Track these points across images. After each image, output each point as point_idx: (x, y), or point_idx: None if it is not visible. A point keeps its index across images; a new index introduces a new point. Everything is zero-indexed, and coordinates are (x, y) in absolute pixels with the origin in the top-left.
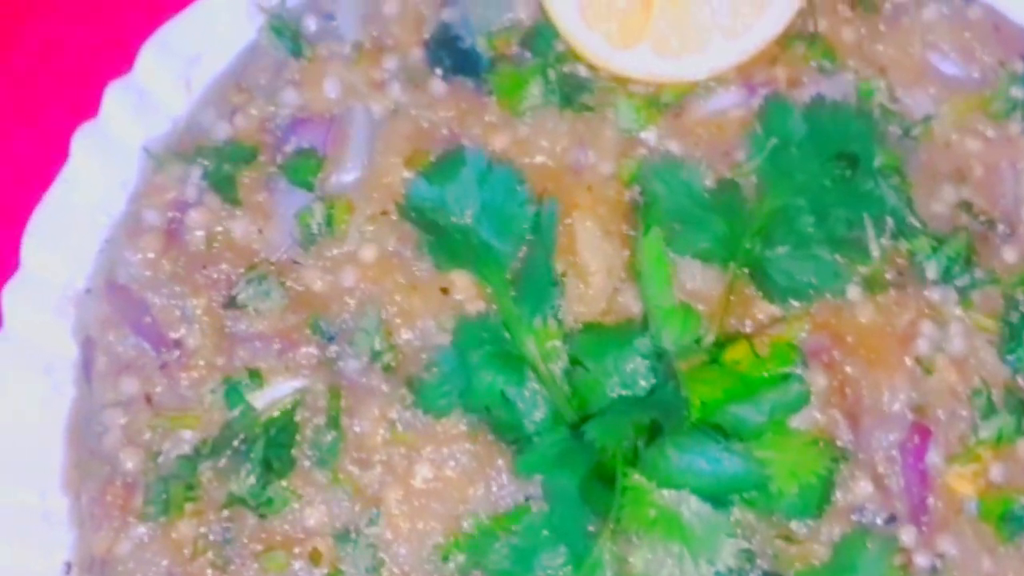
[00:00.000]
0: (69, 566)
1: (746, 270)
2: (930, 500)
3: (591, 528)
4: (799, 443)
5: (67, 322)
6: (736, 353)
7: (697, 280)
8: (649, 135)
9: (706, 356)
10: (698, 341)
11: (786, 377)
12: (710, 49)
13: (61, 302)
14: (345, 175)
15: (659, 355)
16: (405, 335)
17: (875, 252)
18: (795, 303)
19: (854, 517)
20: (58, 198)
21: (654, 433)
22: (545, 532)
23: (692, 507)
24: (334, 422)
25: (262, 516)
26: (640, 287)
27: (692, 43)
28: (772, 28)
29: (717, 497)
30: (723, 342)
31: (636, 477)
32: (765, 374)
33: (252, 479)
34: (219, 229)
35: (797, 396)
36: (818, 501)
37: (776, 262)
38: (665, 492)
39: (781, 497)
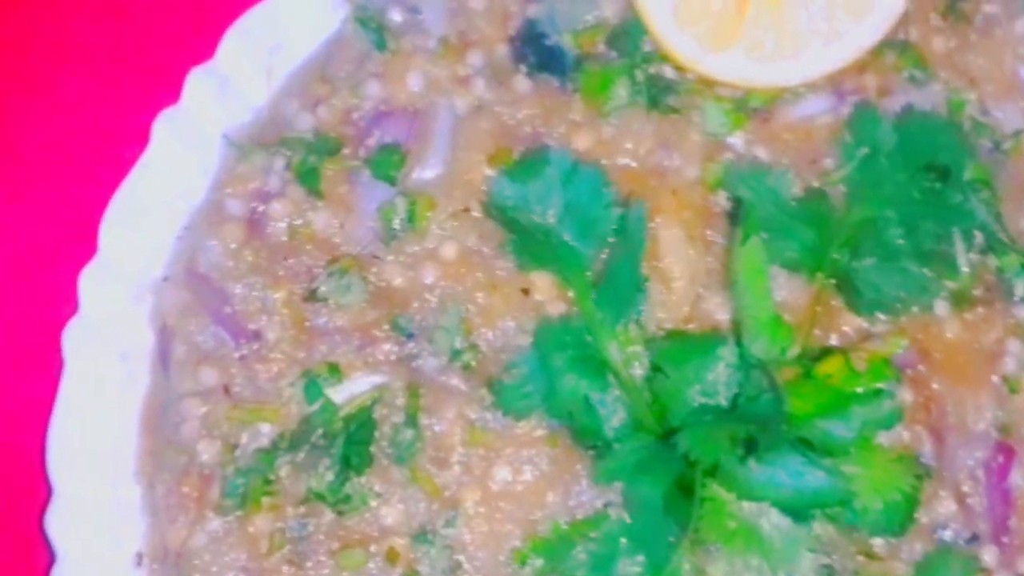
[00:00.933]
0: (140, 557)
1: (833, 281)
2: (1012, 521)
3: (671, 538)
4: (885, 459)
5: (143, 309)
6: (830, 367)
7: (783, 290)
8: (736, 140)
9: (799, 369)
10: (783, 353)
11: (879, 393)
12: (805, 55)
13: (138, 289)
14: (427, 171)
15: (749, 366)
16: (485, 335)
17: (964, 267)
18: (881, 316)
19: (936, 535)
20: (137, 184)
21: (749, 447)
22: (624, 540)
23: (772, 520)
24: (412, 420)
25: (340, 513)
26: (733, 296)
27: (786, 48)
28: (870, 36)
29: (798, 511)
30: (810, 354)
31: (716, 488)
32: (859, 389)
33: (330, 475)
34: (301, 221)
35: (889, 414)
36: (902, 519)
37: (863, 274)
38: (745, 504)
39: (865, 513)
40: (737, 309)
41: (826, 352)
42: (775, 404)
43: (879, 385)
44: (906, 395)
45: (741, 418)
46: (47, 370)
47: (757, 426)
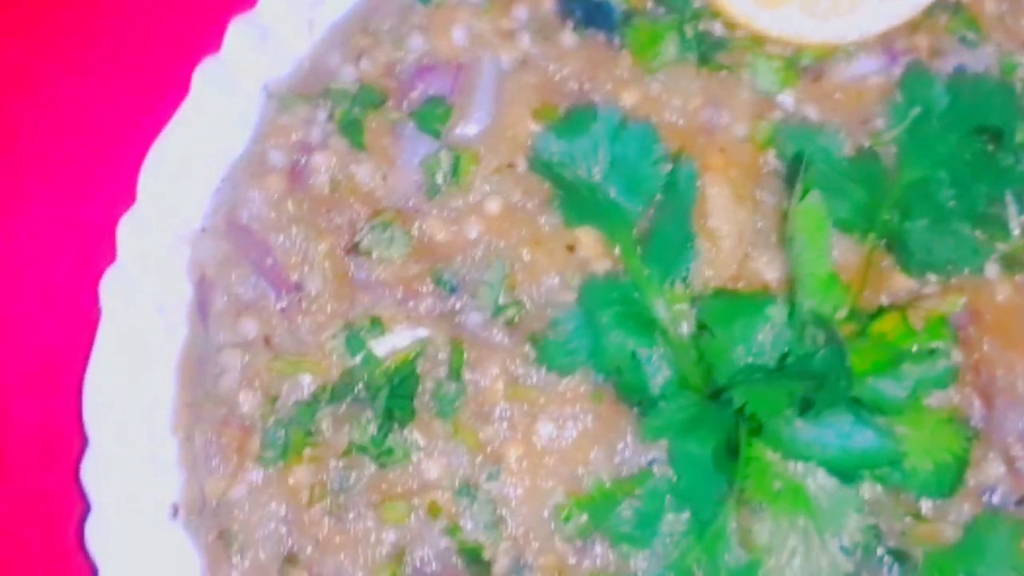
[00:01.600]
0: (176, 508)
1: (884, 241)
2: None
3: (716, 496)
4: (935, 421)
5: (181, 261)
6: (886, 324)
7: (834, 250)
8: (786, 98)
9: (854, 326)
10: (835, 311)
11: (933, 353)
12: (860, 12)
13: (176, 240)
14: (471, 125)
15: (800, 324)
16: (529, 291)
17: (1015, 229)
18: (932, 278)
19: (984, 498)
20: (176, 134)
21: (806, 404)
22: (668, 498)
23: (819, 481)
24: (456, 374)
25: (382, 466)
26: (790, 252)
27: (842, 5)
28: None
29: (845, 472)
30: (860, 314)
31: (761, 448)
32: (914, 348)
33: (372, 428)
34: (343, 173)
35: (943, 373)
36: (952, 480)
37: (915, 235)
38: (791, 464)
39: (914, 474)
40: (793, 266)
41: (882, 311)
42: (835, 359)
43: (934, 344)
44: (956, 357)
45: (795, 376)
46: (85, 320)
47: (814, 383)
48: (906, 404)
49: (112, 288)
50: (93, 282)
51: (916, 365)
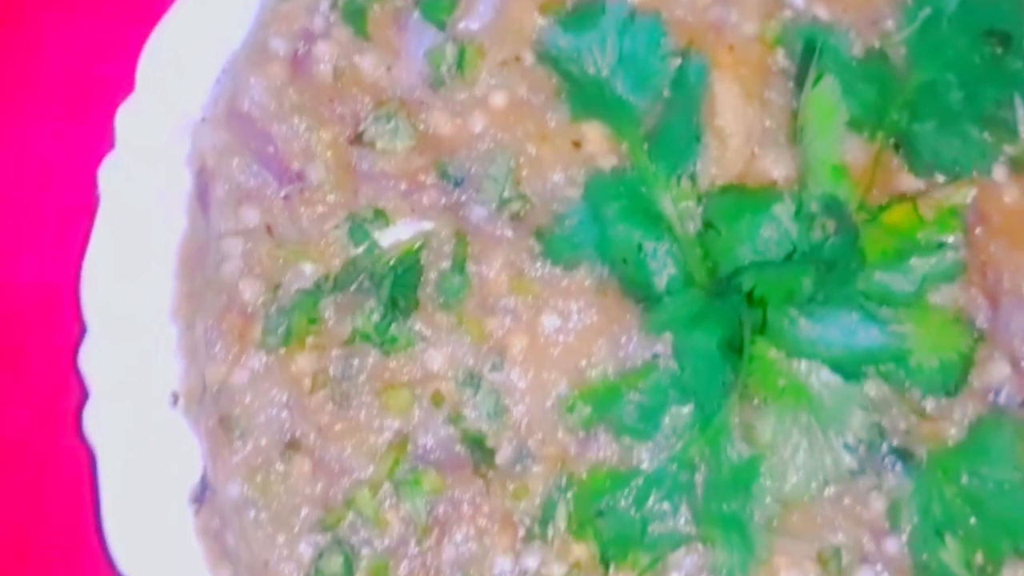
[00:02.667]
0: (176, 397)
1: (892, 141)
2: None
3: (720, 390)
4: (940, 319)
5: (181, 152)
6: (896, 215)
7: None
8: None
9: (864, 216)
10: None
11: (941, 246)
12: None
13: (175, 130)
14: (477, 18)
15: (808, 218)
16: (534, 186)
17: (1023, 132)
18: (940, 179)
19: (989, 398)
20: (177, 21)
21: (819, 287)
22: (672, 391)
23: (823, 378)
24: (459, 267)
25: (385, 354)
26: (801, 142)
27: None
28: None
29: (849, 369)
30: (871, 209)
31: (765, 346)
32: (923, 240)
33: (376, 316)
34: (347, 63)
35: (951, 266)
36: (956, 377)
37: (923, 135)
38: (795, 362)
39: (919, 371)
40: (803, 155)
41: (892, 201)
42: (846, 243)
43: (945, 236)
44: (963, 257)
45: (805, 262)
46: (83, 208)
47: (824, 267)
48: (913, 299)
49: (110, 176)
50: (91, 170)
51: (924, 258)
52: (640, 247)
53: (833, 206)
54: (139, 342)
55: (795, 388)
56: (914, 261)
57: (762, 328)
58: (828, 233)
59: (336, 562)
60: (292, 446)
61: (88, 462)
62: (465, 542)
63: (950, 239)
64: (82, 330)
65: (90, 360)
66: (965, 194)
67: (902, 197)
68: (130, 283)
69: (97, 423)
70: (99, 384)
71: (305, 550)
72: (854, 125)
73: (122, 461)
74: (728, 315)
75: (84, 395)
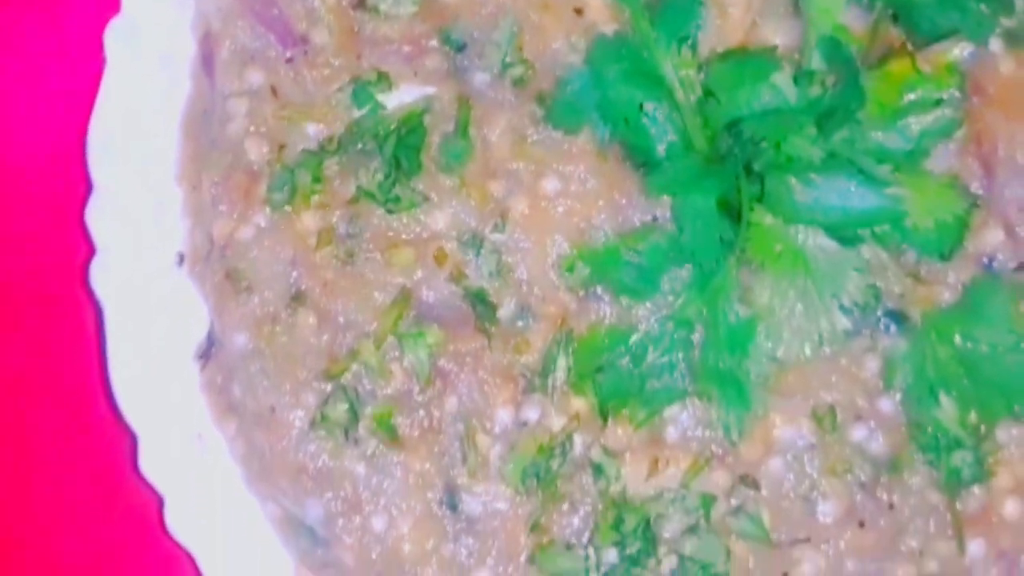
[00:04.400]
0: (181, 257)
1: (890, 11)
2: None
3: (718, 250)
4: (936, 184)
5: (186, 15)
6: (895, 67)
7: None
8: None
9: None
10: None
11: (938, 102)
12: None
13: None
14: None
15: (810, 79)
16: (536, 53)
17: (1020, 3)
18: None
19: (983, 263)
20: None
21: (821, 124)
22: (671, 252)
23: (818, 243)
24: (463, 130)
25: (389, 212)
26: (803, 9)
27: None
28: None
29: (846, 234)
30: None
31: (763, 213)
32: (920, 98)
33: (380, 176)
34: None
35: (948, 123)
36: (952, 239)
37: (921, 6)
38: (792, 229)
39: (915, 232)
40: (804, 21)
41: (890, 56)
42: (849, 84)
43: (942, 93)
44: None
45: (807, 108)
46: (90, 68)
47: (826, 111)
48: (910, 159)
49: (117, 36)
50: (98, 32)
51: (921, 116)
52: (640, 108)
53: (834, 50)
54: (145, 201)
55: (792, 253)
56: (911, 119)
57: (760, 196)
58: (828, 88)
59: (341, 409)
60: (297, 299)
61: (95, 318)
62: (467, 394)
63: (946, 95)
64: (89, 188)
65: (97, 217)
66: (963, 48)
67: (901, 49)
68: (136, 145)
69: (104, 278)
70: (106, 240)
71: (311, 398)
72: None
73: (128, 317)
74: (726, 177)
75: (91, 251)
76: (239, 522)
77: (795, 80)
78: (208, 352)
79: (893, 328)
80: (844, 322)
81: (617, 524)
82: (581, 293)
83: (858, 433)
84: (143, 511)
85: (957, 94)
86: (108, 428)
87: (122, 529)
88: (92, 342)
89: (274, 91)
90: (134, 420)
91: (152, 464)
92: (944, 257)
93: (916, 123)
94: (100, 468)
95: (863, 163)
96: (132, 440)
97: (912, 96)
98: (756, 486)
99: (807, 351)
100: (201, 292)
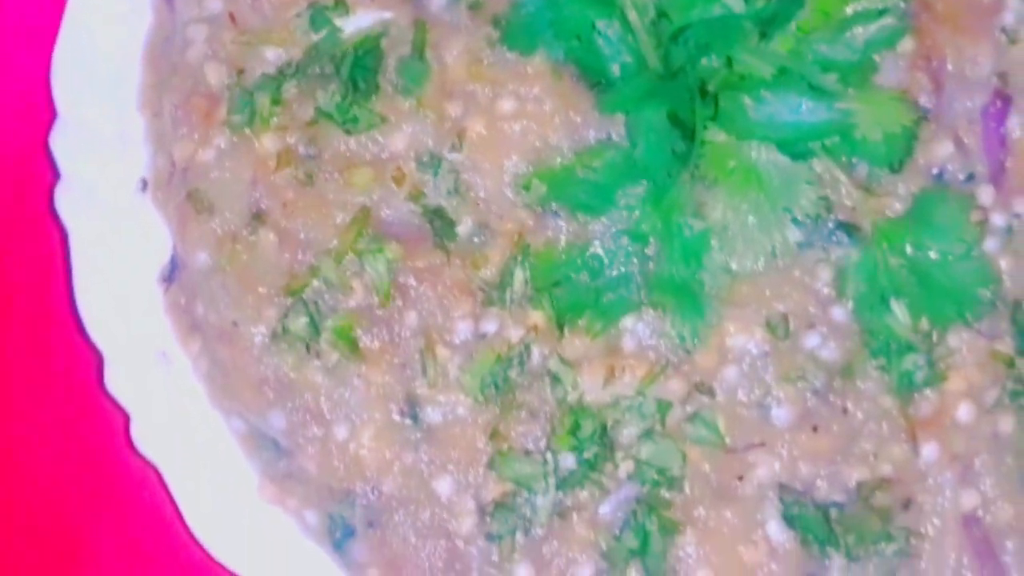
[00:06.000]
0: (144, 183)
1: None
2: (1009, 163)
3: (672, 169)
4: (885, 97)
5: None
6: None
7: None
8: None
9: None
10: None
11: (883, 12)
12: None
13: None
14: None
15: None
16: None
17: None
18: None
19: (933, 173)
20: None
21: (765, 25)
22: (625, 169)
23: (771, 158)
24: (419, 53)
25: (348, 132)
26: None
27: None
28: None
29: (797, 148)
30: None
31: (716, 132)
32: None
33: (338, 97)
34: None
35: (892, 32)
36: (901, 150)
37: None
38: (745, 146)
39: (864, 144)
40: None
41: None
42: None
43: (884, 2)
44: (908, 43)
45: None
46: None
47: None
48: (858, 73)
49: None
50: None
51: (865, 25)
52: (594, 27)
53: None
54: (109, 128)
55: (745, 169)
56: (856, 30)
57: (715, 115)
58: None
59: (302, 322)
60: (258, 219)
61: (61, 242)
62: (426, 308)
63: (890, 3)
64: (53, 115)
65: (61, 143)
66: None
67: None
68: (99, 74)
69: (69, 203)
70: (70, 166)
71: (272, 312)
72: None
73: (93, 241)
74: (678, 92)
75: (56, 177)
76: (204, 438)
77: None
78: (172, 275)
79: (845, 239)
80: (797, 234)
81: (574, 430)
82: (538, 210)
83: (811, 341)
84: (110, 428)
85: (901, 4)
86: (75, 348)
87: (89, 444)
88: (59, 265)
89: (232, 17)
90: (100, 340)
91: (118, 382)
92: (894, 169)
93: (861, 33)
94: (67, 387)
95: (812, 75)
96: (99, 359)
97: (856, 6)
98: (711, 393)
99: (760, 263)
100: (164, 215)
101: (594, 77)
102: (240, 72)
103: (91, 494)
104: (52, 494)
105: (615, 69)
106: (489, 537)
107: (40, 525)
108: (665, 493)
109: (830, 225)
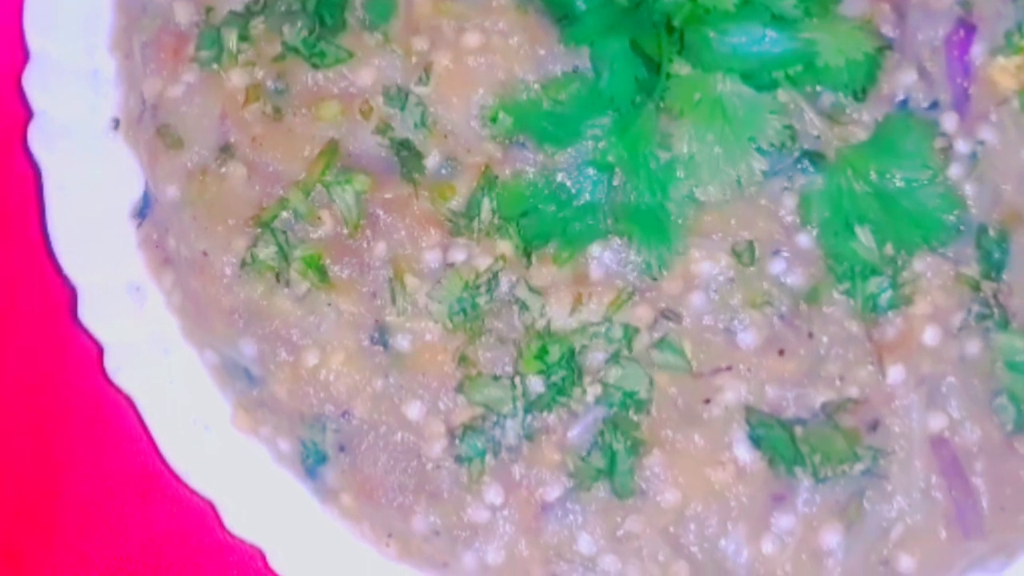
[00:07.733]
0: (117, 122)
1: None
2: (972, 90)
3: (637, 99)
4: (847, 26)
5: None
6: None
7: None
8: None
9: None
10: None
11: None
12: None
13: None
14: None
15: None
16: None
17: None
18: None
19: (897, 100)
20: None
21: None
22: (591, 99)
23: (735, 89)
24: None
25: (315, 66)
26: None
27: None
28: None
29: (762, 79)
30: None
31: (682, 65)
32: None
33: (305, 32)
34: None
35: None
36: (864, 77)
37: None
38: (711, 77)
39: (827, 71)
40: None
41: None
42: None
43: None
44: None
45: None
46: None
47: None
48: (819, 1)
49: None
50: None
51: None
52: None
53: None
54: (81, 67)
55: (711, 100)
56: None
57: (680, 49)
58: None
59: (270, 251)
60: (227, 152)
61: (35, 178)
62: (395, 238)
63: None
64: (26, 55)
65: (34, 82)
66: None
67: None
68: (71, 15)
69: (41, 141)
70: (42, 104)
71: (241, 241)
72: None
73: (66, 178)
74: (641, 22)
75: (29, 115)
76: (177, 370)
77: None
78: (144, 211)
79: (810, 167)
80: (762, 163)
81: (542, 355)
82: (505, 142)
83: (776, 266)
84: (84, 359)
85: None
86: (49, 282)
87: (64, 377)
88: (33, 201)
89: None
90: (73, 274)
91: (91, 315)
92: (857, 97)
93: None
94: (42, 319)
95: (774, 5)
96: (73, 294)
97: None
98: (678, 319)
99: (726, 192)
100: (135, 152)
101: (559, 10)
102: (209, 10)
103: (66, 425)
104: (27, 425)
105: (579, 2)
106: (459, 459)
107: (15, 456)
108: (632, 416)
109: (795, 154)
